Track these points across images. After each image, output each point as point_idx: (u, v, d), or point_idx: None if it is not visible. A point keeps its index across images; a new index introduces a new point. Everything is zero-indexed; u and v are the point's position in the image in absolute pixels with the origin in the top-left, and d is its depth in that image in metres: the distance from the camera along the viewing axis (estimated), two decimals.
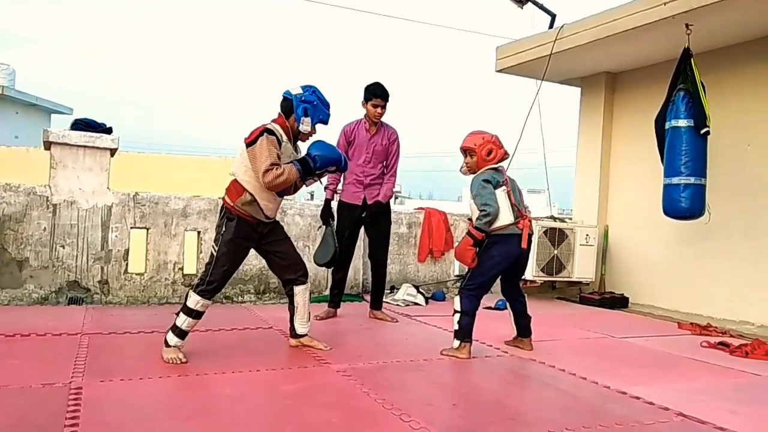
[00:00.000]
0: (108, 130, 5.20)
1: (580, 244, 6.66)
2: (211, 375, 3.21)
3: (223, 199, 3.54)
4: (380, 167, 4.91)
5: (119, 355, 3.55)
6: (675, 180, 5.40)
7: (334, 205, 4.94)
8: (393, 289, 6.27)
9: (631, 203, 6.94)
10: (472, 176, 3.93)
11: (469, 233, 3.82)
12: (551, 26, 7.06)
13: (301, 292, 3.77)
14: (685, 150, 5.35)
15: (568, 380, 3.46)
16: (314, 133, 3.66)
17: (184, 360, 3.37)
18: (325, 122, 3.64)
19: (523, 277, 6.49)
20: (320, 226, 5.02)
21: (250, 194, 3.44)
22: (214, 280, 3.45)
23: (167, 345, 3.43)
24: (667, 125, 5.58)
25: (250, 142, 3.41)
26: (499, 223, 3.78)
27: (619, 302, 6.56)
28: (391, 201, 5.16)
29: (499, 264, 3.88)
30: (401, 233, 6.58)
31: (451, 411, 2.86)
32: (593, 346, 4.52)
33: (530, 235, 3.89)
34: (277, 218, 3.75)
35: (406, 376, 3.40)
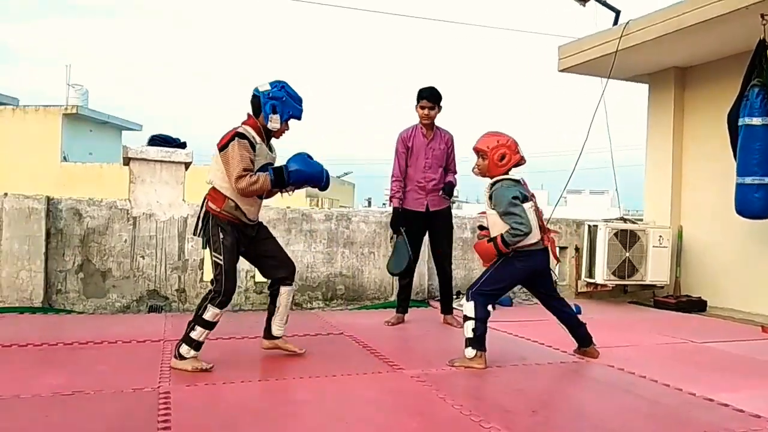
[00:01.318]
0: (182, 145, 5.42)
1: (653, 246, 6.44)
2: (289, 380, 3.29)
3: (207, 207, 3.47)
4: (440, 171, 4.90)
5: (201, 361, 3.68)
6: (748, 180, 5.19)
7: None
8: (459, 294, 6.24)
9: (706, 203, 6.66)
10: (493, 181, 3.73)
11: (495, 245, 3.62)
12: (615, 23, 6.90)
13: (285, 293, 3.67)
14: (759, 149, 5.13)
15: (650, 387, 3.35)
16: (287, 129, 3.53)
17: (209, 366, 3.37)
18: (298, 117, 3.50)
19: (593, 281, 6.46)
20: (392, 237, 4.99)
21: (232, 200, 3.39)
22: (229, 288, 3.42)
23: (182, 357, 3.39)
24: (740, 122, 5.36)
25: (222, 147, 3.35)
26: (528, 241, 3.61)
27: (697, 306, 6.30)
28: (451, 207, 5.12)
29: (519, 276, 3.78)
30: (465, 238, 6.54)
31: (532, 418, 2.83)
32: (673, 351, 4.37)
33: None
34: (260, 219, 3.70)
35: (481, 382, 3.38)
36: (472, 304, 3.63)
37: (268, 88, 3.44)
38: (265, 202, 4.33)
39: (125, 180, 5.44)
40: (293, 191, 3.60)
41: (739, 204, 5.35)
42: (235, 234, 3.46)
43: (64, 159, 18.85)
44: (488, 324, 3.66)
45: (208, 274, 5.52)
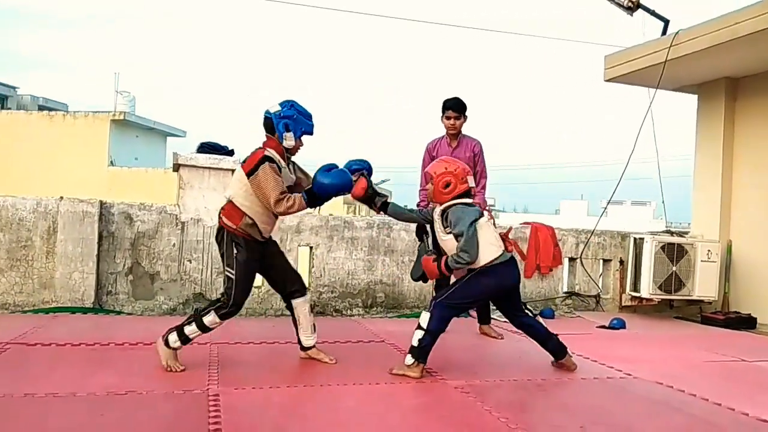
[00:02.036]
0: (230, 153, 5.53)
1: (701, 260, 6.28)
2: (334, 386, 3.32)
3: (222, 222, 3.56)
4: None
5: (247, 364, 3.75)
6: None
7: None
8: None
9: (757, 216, 6.48)
10: (443, 207, 3.63)
11: (438, 266, 3.57)
12: (664, 33, 6.79)
13: (299, 305, 3.77)
14: None
15: (701, 406, 3.27)
16: (301, 145, 3.64)
17: (181, 368, 3.43)
18: (310, 133, 3.62)
19: (638, 295, 6.33)
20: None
21: (250, 218, 3.48)
22: (237, 302, 3.49)
23: (167, 345, 3.47)
24: None
25: (250, 171, 3.45)
26: (491, 257, 3.51)
27: (746, 323, 6.12)
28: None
29: (488, 292, 3.70)
30: None
31: None
32: (723, 369, 4.25)
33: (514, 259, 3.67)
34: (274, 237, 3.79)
35: (526, 395, 3.35)
36: (428, 315, 3.56)
37: (279, 108, 3.57)
38: (299, 213, 4.42)
39: (169, 184, 5.59)
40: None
41: None
42: (250, 250, 3.55)
43: (111, 163, 19.41)
44: (427, 338, 3.53)
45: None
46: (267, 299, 5.61)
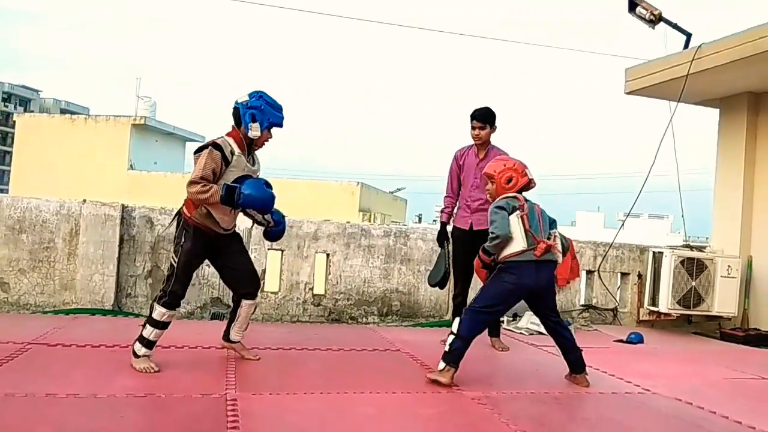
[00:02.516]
0: None
1: (721, 276, 6.21)
2: (351, 394, 3.32)
3: (181, 210, 3.58)
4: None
5: (264, 370, 3.77)
6: None
7: (449, 229, 5.02)
8: (515, 316, 6.17)
9: None
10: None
11: (479, 255, 3.73)
12: (686, 46, 6.74)
13: (246, 306, 3.77)
14: None
15: (720, 423, 3.23)
16: (269, 137, 3.60)
17: (156, 369, 3.43)
18: (279, 125, 3.57)
19: (656, 309, 6.26)
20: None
21: (205, 208, 3.45)
22: (176, 290, 3.50)
23: (135, 355, 3.49)
24: None
25: (196, 152, 3.46)
26: (511, 250, 3.61)
27: (766, 340, 6.03)
28: None
29: (510, 292, 3.68)
30: None
31: None
32: (743, 387, 4.19)
33: (553, 263, 3.69)
34: (236, 230, 3.77)
35: (544, 408, 3.34)
36: (458, 319, 3.66)
37: (247, 98, 3.54)
38: (324, 217, 4.48)
39: None
40: (260, 216, 3.71)
41: None
42: (200, 241, 3.53)
43: (131, 167, 19.65)
44: (457, 342, 3.57)
45: (269, 284, 5.68)
46: (283, 305, 5.64)
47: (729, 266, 6.28)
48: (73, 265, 5.17)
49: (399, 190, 25.91)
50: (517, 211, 3.66)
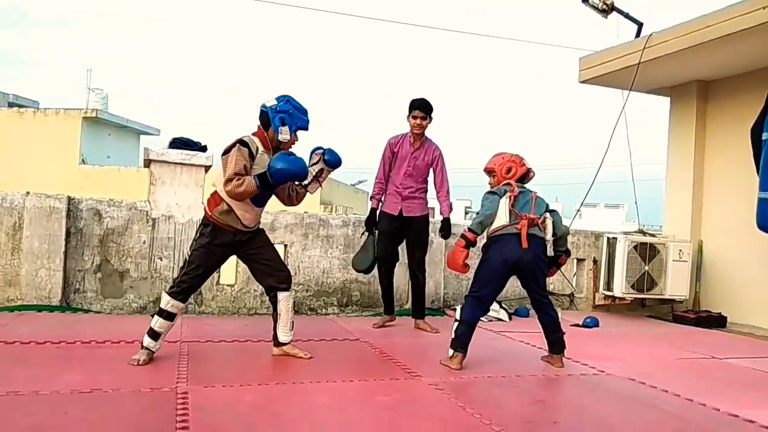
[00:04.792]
0: (203, 149, 5.44)
1: (673, 260, 6.36)
2: (306, 384, 3.26)
3: (204, 208, 3.67)
4: (420, 182, 4.99)
5: (218, 363, 3.68)
6: None
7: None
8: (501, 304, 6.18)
9: (727, 217, 6.58)
10: None
11: (462, 234, 3.80)
12: (638, 35, 6.87)
13: (284, 299, 3.75)
14: None
15: (673, 401, 3.29)
16: (296, 140, 3.69)
17: (142, 362, 3.44)
18: (305, 128, 3.67)
19: (611, 294, 6.38)
20: (363, 233, 5.20)
21: (227, 204, 3.52)
22: (184, 281, 3.56)
23: (142, 346, 3.54)
24: (764, 137, 5.33)
25: (224, 153, 3.54)
26: (495, 225, 3.79)
27: (717, 321, 6.21)
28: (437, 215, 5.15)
29: (496, 268, 3.78)
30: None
31: (554, 428, 2.78)
32: (694, 366, 4.29)
33: (540, 239, 3.80)
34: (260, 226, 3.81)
35: (501, 391, 3.34)
36: (459, 306, 3.82)
37: (275, 102, 3.61)
38: (280, 207, 4.41)
39: (142, 183, 5.48)
40: (318, 185, 3.80)
41: (761, 219, 5.32)
42: (217, 238, 3.58)
43: (83, 162, 19.03)
44: (461, 328, 3.73)
45: (225, 277, 5.55)
46: (240, 298, 5.53)
47: (680, 250, 6.43)
48: (18, 260, 4.95)
49: (360, 182, 25.82)
50: (508, 193, 3.82)
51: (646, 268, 6.31)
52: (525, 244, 3.69)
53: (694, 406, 3.21)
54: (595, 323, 5.72)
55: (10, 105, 22.52)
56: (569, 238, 6.61)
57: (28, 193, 5.03)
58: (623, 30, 7.12)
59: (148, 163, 5.36)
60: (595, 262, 6.79)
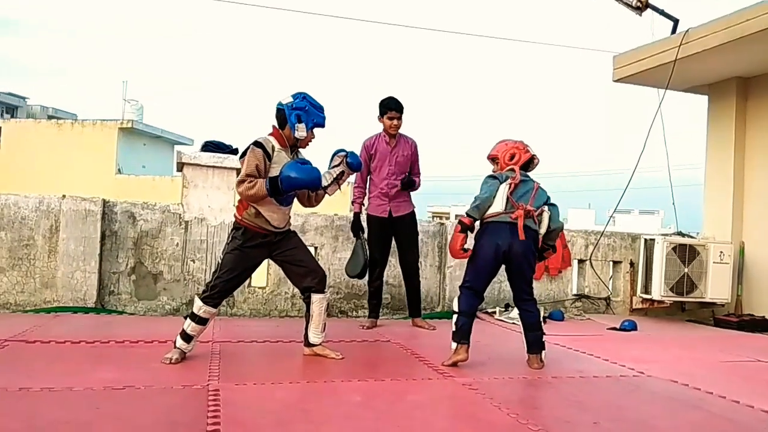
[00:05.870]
0: (234, 151, 5.47)
1: (714, 262, 6.15)
2: (338, 383, 3.22)
3: (234, 213, 3.67)
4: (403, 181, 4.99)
5: (250, 362, 3.67)
6: None
7: (363, 218, 5.07)
8: (507, 307, 6.08)
9: None
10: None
11: (458, 219, 3.76)
12: (674, 32, 6.70)
13: (318, 301, 3.71)
14: None
15: (719, 403, 3.15)
16: (313, 137, 3.66)
17: (174, 360, 3.45)
18: (322, 125, 3.63)
19: (649, 297, 6.20)
20: (351, 239, 5.18)
21: (254, 208, 3.51)
22: (216, 286, 3.54)
23: (175, 345, 3.55)
24: None
25: (240, 157, 3.56)
26: (490, 211, 3.71)
27: (760, 325, 5.98)
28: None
29: (487, 257, 3.69)
30: None
31: (594, 429, 2.68)
32: (739, 369, 4.12)
33: (532, 230, 3.68)
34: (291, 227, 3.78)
35: (537, 392, 3.25)
36: (456, 298, 3.78)
37: (291, 100, 3.58)
38: (310, 210, 4.40)
39: (176, 191, 5.53)
40: (337, 187, 3.75)
41: None
42: (250, 241, 3.58)
43: (119, 171, 19.45)
44: (461, 319, 3.68)
45: (256, 279, 5.56)
46: (271, 300, 5.53)
47: (721, 252, 6.22)
48: (54, 262, 5.04)
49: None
50: (509, 180, 3.74)
51: (686, 270, 6.11)
52: (522, 236, 3.61)
53: (741, 408, 3.07)
54: (633, 327, 5.56)
55: (50, 118, 23.13)
56: (603, 240, 6.52)
57: (64, 196, 5.12)
58: (658, 28, 6.95)
59: (181, 166, 5.41)
60: (632, 264, 6.62)
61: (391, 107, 4.90)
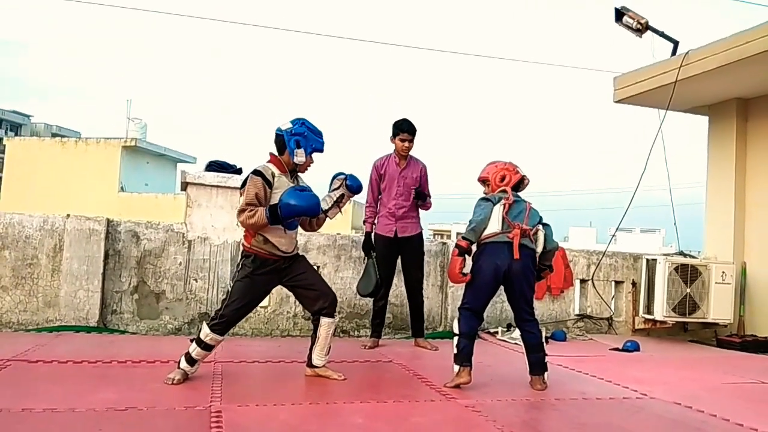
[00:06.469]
0: (238, 171, 5.51)
1: (716, 282, 6.15)
2: (340, 404, 3.22)
3: (241, 242, 3.69)
4: (412, 199, 5.04)
5: (252, 383, 3.67)
6: None
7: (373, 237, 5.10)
8: (509, 326, 6.07)
9: None
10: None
11: (456, 243, 3.77)
12: (674, 54, 6.76)
13: (326, 325, 3.71)
14: None
15: (722, 426, 3.15)
16: (312, 162, 3.69)
17: (176, 382, 3.45)
18: (320, 150, 3.66)
19: (652, 317, 6.18)
20: (364, 258, 5.19)
21: (261, 235, 3.53)
22: (225, 315, 3.53)
23: (178, 366, 3.55)
24: None
25: (241, 187, 3.60)
26: (486, 232, 3.72)
27: (764, 346, 5.95)
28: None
29: (486, 278, 3.70)
30: None
31: None
32: (742, 391, 4.11)
33: (529, 249, 3.71)
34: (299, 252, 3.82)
35: (540, 414, 3.25)
36: (455, 320, 3.77)
37: (290, 125, 3.62)
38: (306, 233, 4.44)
39: (179, 209, 5.56)
40: (338, 210, 3.84)
41: None
42: (260, 268, 3.58)
43: (122, 189, 19.53)
44: (462, 341, 3.68)
45: None
46: (273, 319, 5.53)
47: (723, 272, 6.22)
48: (57, 281, 5.05)
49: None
50: (503, 200, 3.78)
51: (688, 290, 6.11)
52: (517, 254, 3.63)
53: (745, 431, 3.06)
54: (635, 347, 5.55)
55: (54, 136, 23.29)
56: (605, 260, 6.52)
57: (68, 215, 5.15)
58: (658, 50, 7.02)
59: (185, 185, 5.44)
60: (634, 284, 6.61)
61: (403, 129, 4.96)
